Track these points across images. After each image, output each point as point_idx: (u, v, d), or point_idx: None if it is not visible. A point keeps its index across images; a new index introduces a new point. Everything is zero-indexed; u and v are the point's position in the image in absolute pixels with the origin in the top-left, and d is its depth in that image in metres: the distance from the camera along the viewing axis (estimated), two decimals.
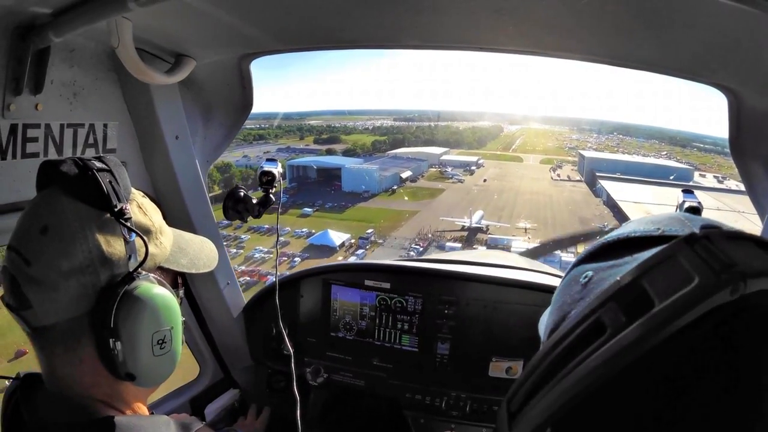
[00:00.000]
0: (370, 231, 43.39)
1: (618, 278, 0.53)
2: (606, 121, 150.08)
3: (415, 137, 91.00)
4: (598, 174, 59.59)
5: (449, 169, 69.11)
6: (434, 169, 69.51)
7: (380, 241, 41.98)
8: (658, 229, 0.61)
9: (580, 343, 0.53)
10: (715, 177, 59.82)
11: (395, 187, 60.42)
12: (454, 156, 77.57)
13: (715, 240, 0.51)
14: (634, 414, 0.55)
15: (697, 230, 0.56)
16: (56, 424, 0.94)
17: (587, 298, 0.62)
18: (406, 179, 63.21)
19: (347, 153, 77.54)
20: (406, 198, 56.19)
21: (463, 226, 43.48)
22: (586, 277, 0.64)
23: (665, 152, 78.83)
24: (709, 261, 0.49)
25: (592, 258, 0.67)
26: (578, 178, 65.00)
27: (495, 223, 45.84)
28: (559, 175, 66.93)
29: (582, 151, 74.55)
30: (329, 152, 77.63)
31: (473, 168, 70.87)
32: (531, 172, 70.88)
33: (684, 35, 1.33)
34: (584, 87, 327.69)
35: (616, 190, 52.15)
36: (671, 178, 57.69)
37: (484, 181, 64.65)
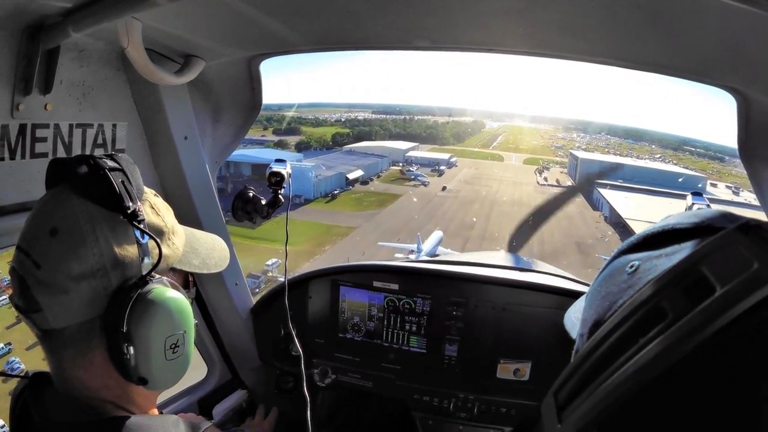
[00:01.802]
0: (272, 262, 29.53)
1: (675, 264, 0.53)
2: (592, 121, 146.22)
3: (384, 130, 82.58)
4: (595, 180, 50.23)
5: (413, 169, 58.06)
6: (396, 168, 58.81)
7: (281, 278, 27.02)
8: (703, 222, 0.62)
9: (638, 330, 0.53)
10: (728, 187, 52.23)
11: (337, 192, 48.32)
12: (423, 152, 66.94)
13: None
14: (693, 405, 0.53)
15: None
16: (65, 424, 0.94)
17: (636, 286, 0.61)
18: (355, 181, 51.43)
19: (300, 146, 67.84)
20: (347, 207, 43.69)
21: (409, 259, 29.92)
22: (632, 266, 0.64)
23: (659, 155, 72.28)
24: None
25: (634, 249, 0.67)
26: (570, 183, 55.57)
27: (456, 252, 30.25)
28: (546, 179, 57.68)
29: (574, 152, 65.15)
30: (279, 145, 66.52)
31: (443, 167, 60.25)
32: (513, 173, 61.08)
33: (692, 37, 1.33)
34: (571, 87, 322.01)
35: (620, 201, 42.04)
36: (680, 181, 50.18)
37: (444, 189, 52.07)
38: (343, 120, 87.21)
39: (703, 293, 0.49)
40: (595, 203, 45.79)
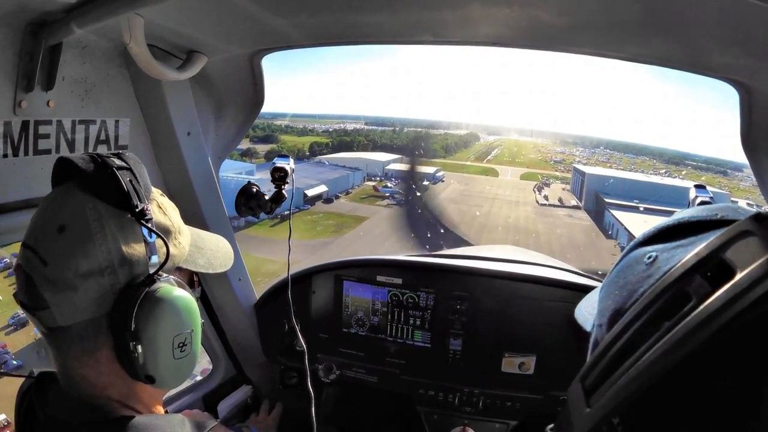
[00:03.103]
0: None
1: (697, 251, 0.56)
2: (588, 136, 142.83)
3: (368, 141, 76.75)
4: (606, 200, 41.56)
5: (389, 185, 48.69)
6: (371, 183, 49.81)
7: None
8: (716, 214, 0.66)
9: (661, 315, 0.55)
10: (749, 204, 48.50)
11: (289, 211, 40.76)
12: (406, 165, 58.51)
13: None
14: (719, 389, 0.55)
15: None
16: (70, 423, 0.93)
17: (656, 275, 0.63)
18: (316, 198, 42.37)
19: (270, 156, 57.56)
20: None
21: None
22: (650, 257, 0.66)
23: (663, 170, 67.22)
24: None
25: (651, 241, 0.70)
26: (574, 202, 47.43)
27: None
28: (546, 197, 49.87)
29: (578, 166, 57.54)
30: (245, 155, 55.43)
31: (426, 183, 51.52)
32: (508, 191, 53.50)
33: (694, 30, 1.33)
34: (569, 101, 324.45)
35: (639, 226, 29.57)
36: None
37: None
38: (330, 131, 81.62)
39: (724, 277, 0.51)
40: (607, 229, 37.90)
